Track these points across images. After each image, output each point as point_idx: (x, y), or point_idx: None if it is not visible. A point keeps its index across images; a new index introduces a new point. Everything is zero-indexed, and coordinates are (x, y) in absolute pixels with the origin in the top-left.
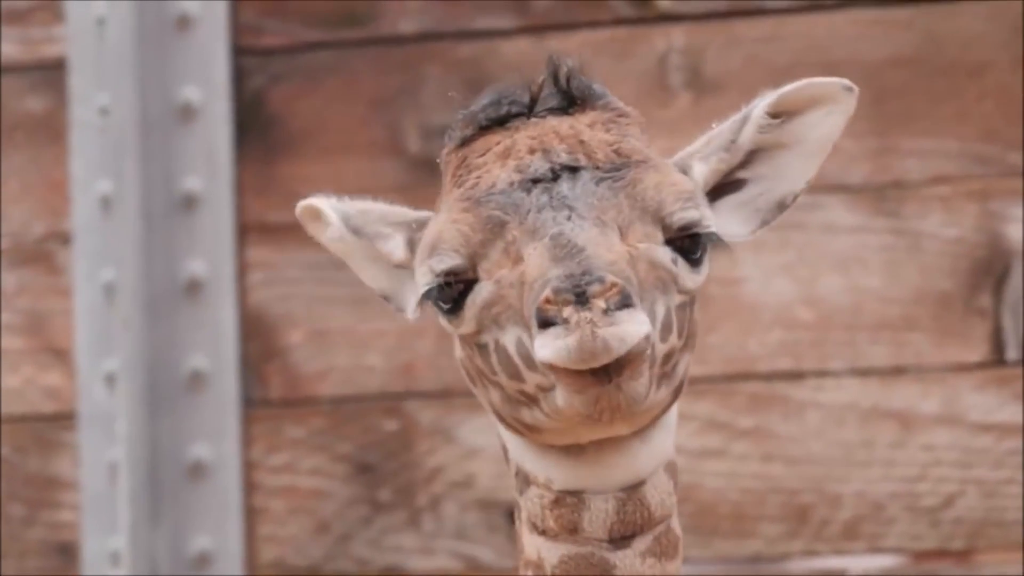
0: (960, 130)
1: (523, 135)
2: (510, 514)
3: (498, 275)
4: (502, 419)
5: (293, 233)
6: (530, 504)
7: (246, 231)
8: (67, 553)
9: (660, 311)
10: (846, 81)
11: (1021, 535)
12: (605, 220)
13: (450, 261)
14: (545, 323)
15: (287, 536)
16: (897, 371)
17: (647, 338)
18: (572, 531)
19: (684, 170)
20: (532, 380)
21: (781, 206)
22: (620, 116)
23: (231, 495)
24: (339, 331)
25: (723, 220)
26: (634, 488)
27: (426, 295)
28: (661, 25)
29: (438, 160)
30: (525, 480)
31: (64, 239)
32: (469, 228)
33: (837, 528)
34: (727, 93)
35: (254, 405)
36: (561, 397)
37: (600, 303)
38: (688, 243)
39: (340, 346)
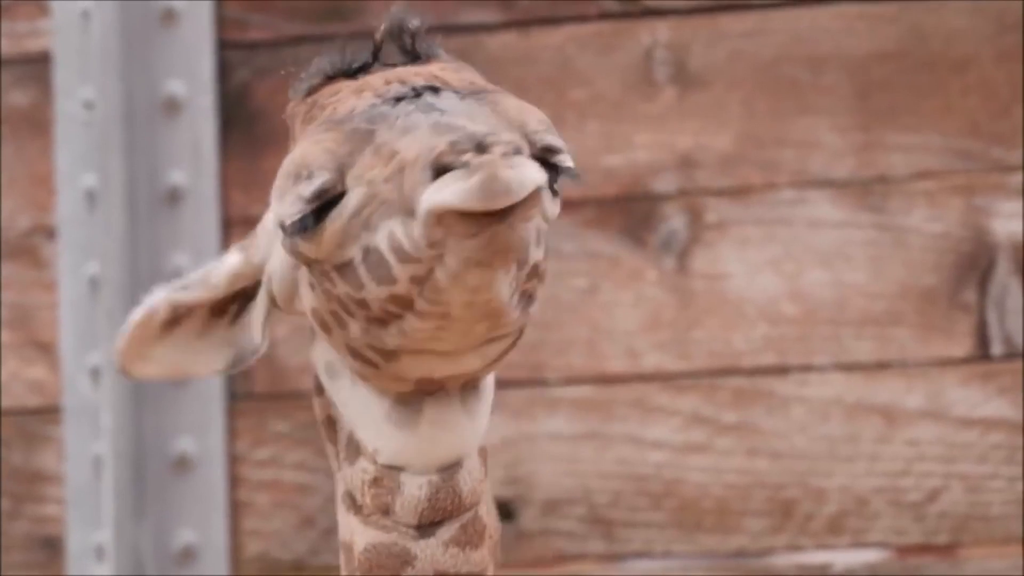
0: (945, 125)
1: (375, 77)
2: (498, 506)
3: (369, 175)
4: (358, 356)
5: None
6: (354, 478)
7: (231, 225)
8: (51, 547)
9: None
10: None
11: (1005, 530)
12: (477, 122)
13: (319, 180)
14: (441, 171)
15: (272, 530)
16: (881, 366)
17: (540, 190)
18: (384, 512)
19: None
20: (405, 274)
21: None
22: (462, 67)
23: (216, 489)
24: None
25: None
26: (451, 471)
27: (292, 228)
28: (646, 20)
29: (284, 117)
30: (356, 450)
31: (49, 233)
32: (333, 143)
33: (821, 523)
34: (712, 87)
35: (239, 399)
36: (450, 260)
37: (500, 149)
38: (548, 172)
39: None
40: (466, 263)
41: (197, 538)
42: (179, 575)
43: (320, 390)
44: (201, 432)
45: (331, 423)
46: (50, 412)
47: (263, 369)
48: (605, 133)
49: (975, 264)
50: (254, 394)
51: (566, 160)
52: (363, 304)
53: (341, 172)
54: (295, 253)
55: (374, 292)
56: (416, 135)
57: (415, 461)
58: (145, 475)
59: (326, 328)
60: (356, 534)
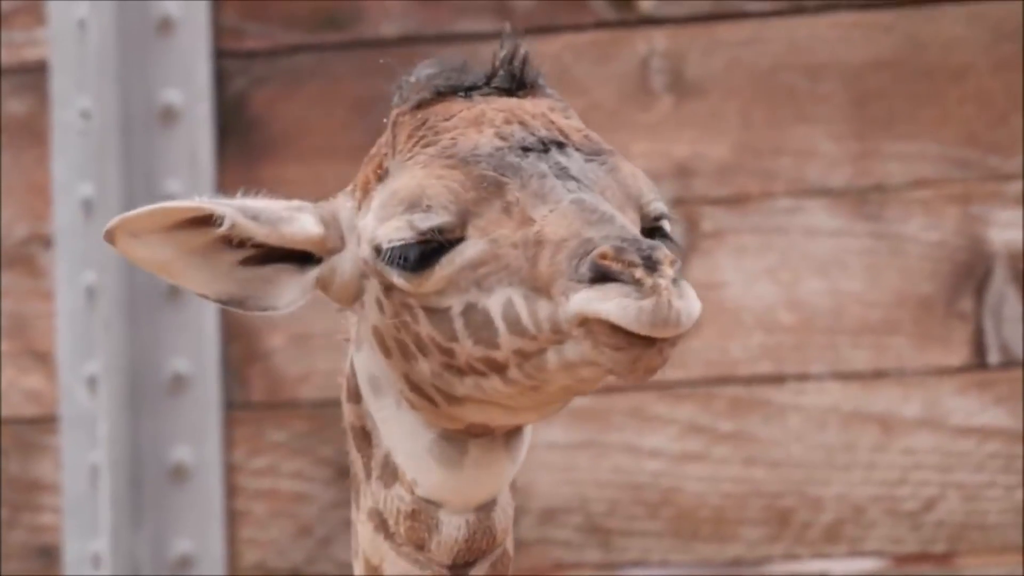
0: (941, 133)
1: (489, 107)
2: None
3: (495, 234)
4: (417, 389)
5: None
6: (388, 502)
7: None
8: (49, 556)
9: None
10: None
11: (1002, 538)
12: (607, 198)
13: (438, 218)
14: (602, 278)
15: (269, 539)
16: (878, 375)
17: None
18: (419, 547)
19: None
20: (512, 345)
21: None
22: (567, 108)
23: (213, 498)
24: (320, 334)
25: None
26: (487, 509)
27: (387, 253)
28: (643, 28)
29: (384, 120)
30: (392, 474)
31: (46, 242)
32: (459, 185)
33: (818, 531)
34: (709, 96)
35: (236, 408)
36: (588, 350)
37: (670, 271)
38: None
39: (321, 349)
40: (590, 364)
41: (194, 547)
42: None
43: (356, 397)
44: (198, 441)
45: (364, 434)
46: (47, 421)
47: (260, 379)
48: None
49: (972, 273)
50: (251, 403)
51: (668, 225)
52: (447, 352)
53: (463, 218)
54: (381, 279)
55: (467, 349)
56: (560, 212)
57: (454, 499)
58: (142, 484)
59: (386, 351)
60: (386, 561)
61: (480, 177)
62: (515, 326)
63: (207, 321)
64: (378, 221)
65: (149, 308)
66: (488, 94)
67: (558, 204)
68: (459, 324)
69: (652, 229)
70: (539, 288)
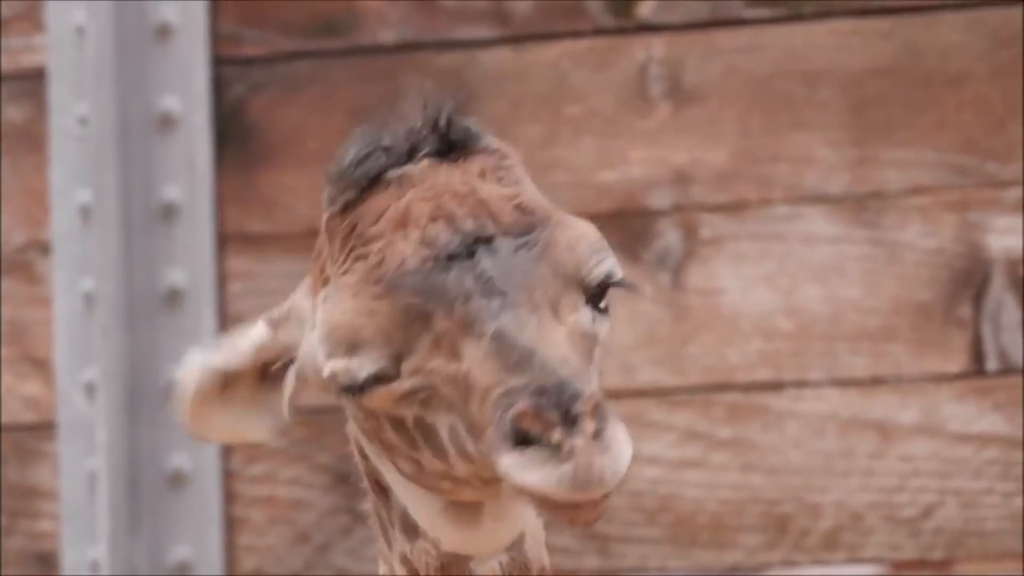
0: (939, 140)
1: (415, 197)
2: None
3: (429, 367)
4: (409, 478)
5: (273, 243)
6: (415, 554)
7: (226, 241)
8: (46, 562)
9: (594, 381)
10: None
11: (1001, 545)
12: (537, 302)
13: (373, 367)
14: (523, 441)
15: (267, 546)
16: (876, 381)
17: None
18: None
19: None
20: (465, 470)
21: None
22: (504, 159)
23: (211, 505)
24: None
25: None
26: (517, 546)
27: (339, 389)
28: (641, 35)
29: (319, 228)
30: (414, 529)
31: (43, 249)
32: (389, 323)
33: (816, 538)
34: (707, 103)
35: None
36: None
37: (590, 425)
38: (598, 293)
39: None
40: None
41: (192, 554)
42: None
43: (364, 455)
44: (196, 448)
45: (381, 489)
46: (45, 428)
47: None
48: (600, 149)
49: (970, 279)
50: None
51: (618, 275)
52: (415, 461)
53: (398, 360)
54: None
55: (428, 460)
56: (483, 352)
57: (481, 550)
58: (140, 491)
59: (364, 457)
60: None
61: (407, 308)
62: (463, 453)
63: (205, 328)
64: (322, 351)
65: (147, 315)
66: (421, 160)
67: (482, 337)
68: (417, 435)
69: (601, 290)
70: (476, 429)
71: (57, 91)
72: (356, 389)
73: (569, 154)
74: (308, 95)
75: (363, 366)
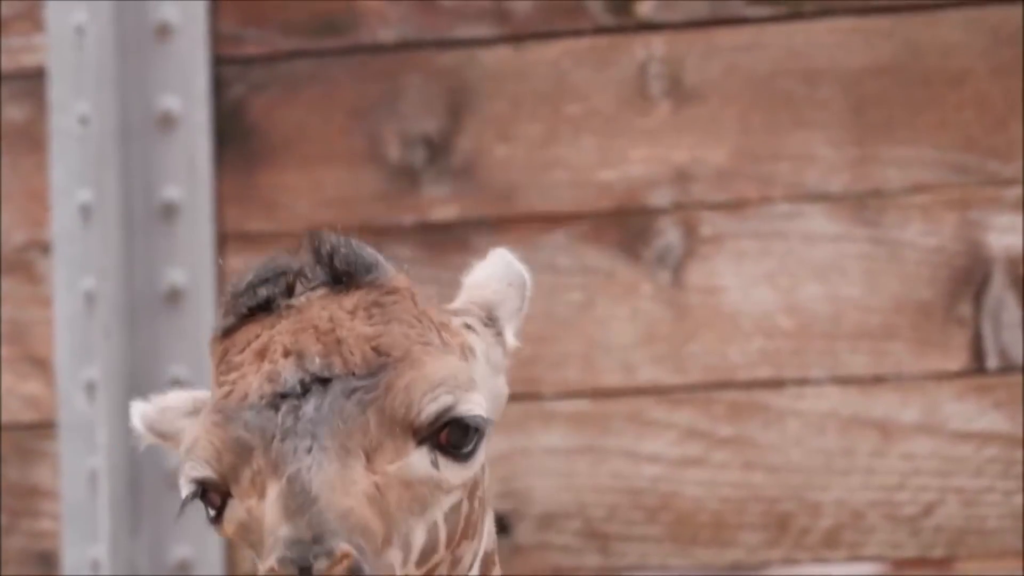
0: (940, 138)
1: (282, 329)
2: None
3: (248, 504)
4: None
5: (273, 242)
6: None
7: (226, 240)
8: (47, 562)
9: (418, 537)
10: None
11: (1001, 543)
12: (349, 447)
13: (202, 471)
14: None
15: None
16: (877, 380)
17: None
18: None
19: (491, 319)
20: None
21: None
22: (387, 294)
23: None
24: None
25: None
26: None
27: (191, 496)
28: (641, 34)
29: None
30: None
31: (44, 248)
32: (221, 445)
33: (817, 536)
34: (707, 101)
35: None
36: None
37: None
38: (454, 434)
39: None
40: None
41: (193, 552)
42: None
43: None
44: None
45: None
46: (45, 427)
47: None
48: (600, 147)
49: (970, 278)
50: None
51: (463, 411)
52: None
53: (224, 479)
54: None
55: None
56: (275, 494)
57: None
58: (141, 490)
59: None
60: None
61: (235, 440)
62: None
63: (205, 327)
64: (181, 460)
65: (148, 314)
66: (310, 288)
67: (282, 479)
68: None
69: (442, 431)
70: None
71: (57, 91)
72: (208, 505)
73: (569, 153)
74: (308, 95)
75: (195, 468)
